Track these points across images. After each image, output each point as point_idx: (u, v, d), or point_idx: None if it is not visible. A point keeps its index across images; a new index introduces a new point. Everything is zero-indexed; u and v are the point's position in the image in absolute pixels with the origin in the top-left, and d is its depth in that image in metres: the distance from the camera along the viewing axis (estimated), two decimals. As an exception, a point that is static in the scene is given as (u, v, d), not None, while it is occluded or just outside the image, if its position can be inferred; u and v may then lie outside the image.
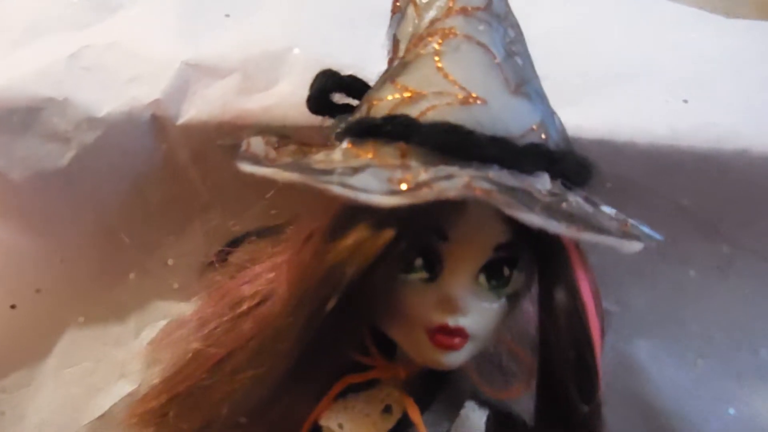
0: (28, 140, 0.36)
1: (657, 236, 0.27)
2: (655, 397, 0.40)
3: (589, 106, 0.37)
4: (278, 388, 0.28)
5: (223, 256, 0.35)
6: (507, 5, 0.31)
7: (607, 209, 0.28)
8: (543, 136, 0.28)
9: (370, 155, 0.27)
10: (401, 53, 0.30)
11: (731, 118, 0.38)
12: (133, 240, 0.38)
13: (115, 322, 0.39)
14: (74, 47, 0.37)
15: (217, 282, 0.34)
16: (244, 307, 0.32)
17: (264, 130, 0.34)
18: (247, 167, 0.27)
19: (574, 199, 0.27)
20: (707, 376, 0.40)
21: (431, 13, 0.29)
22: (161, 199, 0.38)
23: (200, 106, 0.37)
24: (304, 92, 0.33)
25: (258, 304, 0.31)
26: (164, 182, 0.38)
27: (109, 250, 0.38)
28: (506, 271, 0.28)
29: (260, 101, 0.37)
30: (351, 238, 0.26)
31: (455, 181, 0.24)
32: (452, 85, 0.27)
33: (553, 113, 0.30)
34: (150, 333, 0.38)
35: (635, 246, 0.26)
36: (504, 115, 0.27)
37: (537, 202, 0.24)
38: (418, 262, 0.27)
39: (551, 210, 0.24)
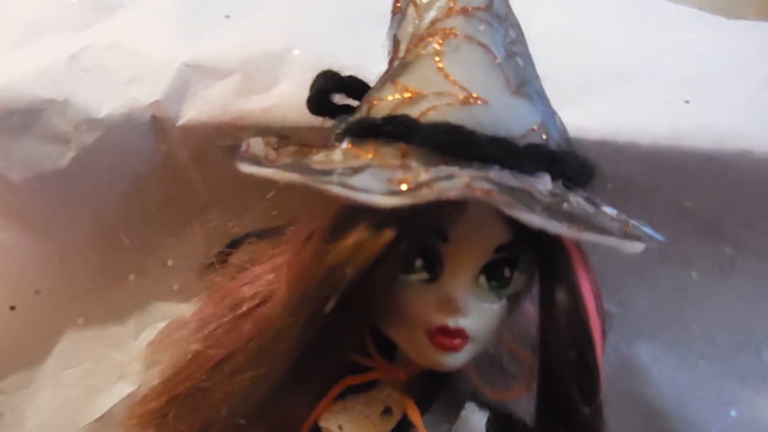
0: (27, 141, 0.36)
1: (658, 237, 0.27)
2: (657, 398, 0.40)
3: (590, 106, 0.37)
4: (278, 389, 0.28)
5: (223, 257, 0.35)
6: (508, 5, 0.30)
7: (609, 210, 0.28)
8: (544, 136, 0.28)
9: (370, 155, 0.27)
10: (401, 54, 0.30)
11: (733, 119, 0.38)
12: (132, 241, 0.38)
13: (115, 324, 0.39)
14: (74, 48, 0.37)
15: (217, 283, 0.34)
16: (244, 308, 0.32)
17: (264, 131, 0.33)
18: (246, 168, 0.27)
19: (575, 200, 0.27)
20: (709, 377, 0.40)
21: (432, 14, 0.29)
22: (161, 200, 0.38)
23: (200, 107, 0.37)
24: (304, 93, 0.33)
25: (258, 306, 0.31)
26: (164, 183, 0.38)
27: (108, 251, 0.38)
28: (507, 272, 0.28)
29: (260, 102, 0.37)
30: (351, 239, 0.25)
31: (455, 181, 0.24)
32: (453, 86, 0.27)
33: (554, 114, 0.30)
34: (150, 334, 0.38)
35: (637, 247, 0.26)
36: (505, 116, 0.27)
37: (538, 203, 0.24)
38: (419, 262, 0.27)
39: (552, 210, 0.24)
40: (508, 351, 0.32)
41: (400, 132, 0.27)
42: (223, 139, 0.34)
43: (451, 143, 0.26)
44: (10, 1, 0.39)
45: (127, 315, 0.39)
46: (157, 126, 0.36)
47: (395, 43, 0.31)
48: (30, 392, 0.39)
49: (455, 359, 0.28)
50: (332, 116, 0.32)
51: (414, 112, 0.27)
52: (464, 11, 0.29)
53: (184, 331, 0.34)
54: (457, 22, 0.28)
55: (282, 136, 0.32)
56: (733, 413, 0.40)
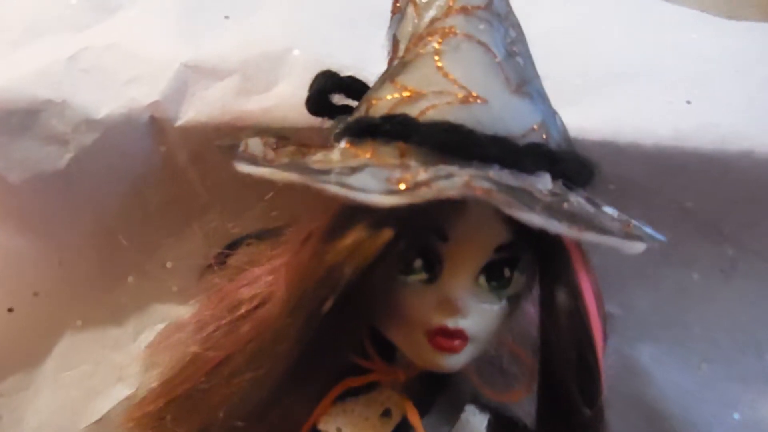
0: (26, 142, 0.36)
1: (660, 237, 0.27)
2: (659, 401, 0.40)
3: (591, 106, 0.37)
4: (276, 390, 0.27)
5: (222, 259, 0.35)
6: (508, 5, 0.30)
7: (610, 210, 0.28)
8: (544, 136, 0.28)
9: (368, 155, 0.27)
10: (401, 53, 0.30)
11: (734, 119, 0.37)
12: (131, 242, 0.38)
13: (114, 325, 0.39)
14: (73, 49, 0.37)
15: (216, 285, 0.33)
16: (243, 309, 0.31)
17: (263, 131, 0.33)
18: (244, 167, 0.27)
19: (576, 200, 0.27)
20: (712, 380, 0.40)
21: (431, 13, 0.29)
22: (160, 201, 0.38)
23: (199, 108, 0.37)
24: (304, 93, 0.33)
25: (257, 307, 0.31)
26: (163, 184, 0.38)
27: (107, 253, 0.38)
28: (507, 272, 0.28)
29: (259, 102, 0.37)
30: (349, 238, 0.25)
31: (455, 180, 0.24)
32: (452, 84, 0.27)
33: (554, 113, 0.30)
34: (149, 336, 0.38)
35: (638, 247, 0.25)
36: (504, 115, 0.27)
37: (538, 202, 0.24)
38: (418, 263, 0.27)
39: (552, 210, 0.24)
40: (509, 352, 0.32)
41: (398, 131, 0.26)
42: (222, 139, 0.34)
43: (450, 142, 0.26)
44: (9, 1, 0.38)
45: (126, 316, 0.39)
46: (156, 127, 0.36)
47: (394, 42, 0.31)
48: (29, 394, 0.39)
49: (455, 360, 0.28)
50: (331, 116, 0.32)
51: (413, 111, 0.27)
52: (464, 10, 0.29)
53: (183, 333, 0.33)
54: (456, 21, 0.28)
55: (281, 136, 0.32)
56: (736, 416, 0.40)
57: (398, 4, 0.31)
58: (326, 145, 0.30)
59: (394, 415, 0.29)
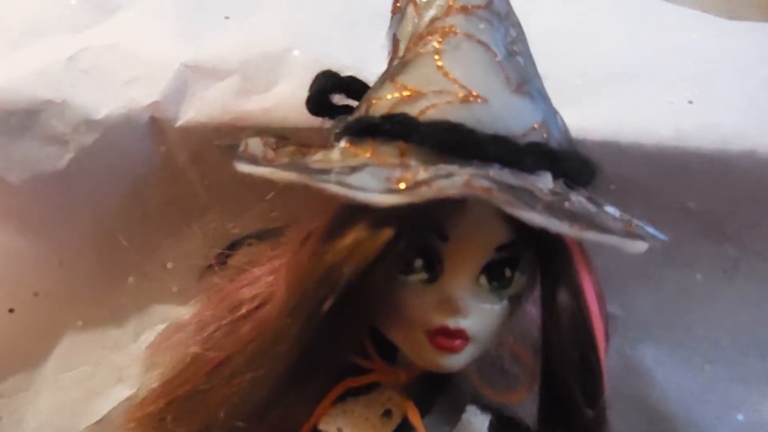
0: (26, 142, 0.35)
1: (661, 236, 0.27)
2: (662, 402, 0.40)
3: (592, 106, 0.37)
4: (277, 390, 0.27)
5: (222, 259, 0.35)
6: (508, 4, 0.30)
7: (611, 209, 0.28)
8: (545, 135, 0.28)
9: (368, 154, 0.27)
10: (401, 53, 0.30)
11: (736, 119, 0.37)
12: (131, 243, 0.38)
13: (114, 326, 0.39)
14: (73, 49, 0.37)
15: (217, 285, 0.33)
16: (243, 310, 0.31)
17: (263, 131, 0.33)
18: (244, 167, 0.27)
19: (577, 199, 0.27)
20: (714, 381, 0.40)
21: (431, 12, 0.29)
22: (160, 202, 0.38)
23: (199, 108, 0.36)
24: (304, 94, 0.33)
25: (257, 308, 0.31)
26: (163, 184, 0.37)
27: (107, 253, 0.38)
28: (508, 272, 0.28)
29: (260, 103, 0.37)
30: (349, 238, 0.25)
31: (455, 179, 0.24)
32: (452, 84, 0.27)
33: (555, 113, 0.30)
34: (149, 337, 0.38)
35: (639, 246, 0.25)
36: (505, 114, 0.27)
37: (538, 201, 0.24)
38: (418, 262, 0.27)
39: (553, 209, 0.24)
40: (510, 352, 0.32)
41: (398, 130, 0.26)
42: (222, 140, 0.34)
43: (450, 141, 0.26)
44: (9, 1, 0.38)
45: (127, 317, 0.39)
46: (156, 127, 0.36)
47: (395, 42, 0.31)
48: (29, 395, 0.39)
49: (456, 360, 0.27)
50: (332, 116, 0.32)
51: (413, 110, 0.27)
52: (464, 9, 0.28)
53: (183, 334, 0.33)
54: (456, 21, 0.28)
55: (281, 136, 0.32)
56: (739, 417, 0.40)
57: (398, 4, 0.31)
58: (326, 145, 0.30)
59: (395, 416, 0.29)
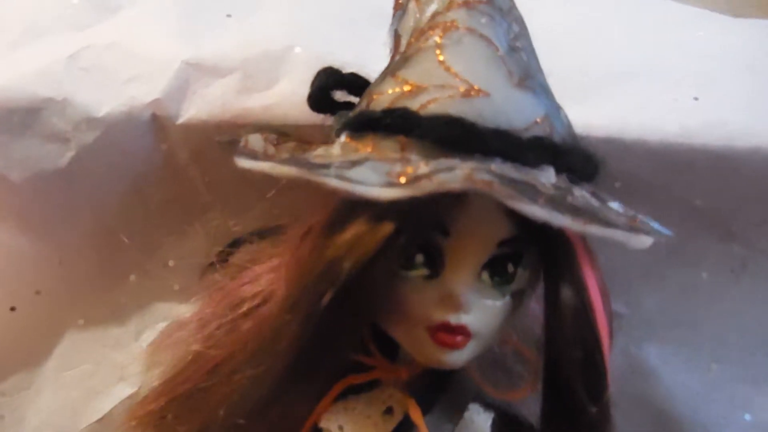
0: (27, 141, 0.36)
1: (666, 231, 0.26)
2: (667, 401, 0.39)
3: (596, 104, 0.37)
4: (277, 388, 0.27)
5: (223, 257, 0.35)
6: (511, 0, 0.30)
7: (615, 204, 0.27)
8: (547, 129, 0.27)
9: (369, 149, 0.26)
10: (403, 48, 0.29)
11: (742, 116, 0.37)
12: (133, 241, 0.38)
13: (115, 324, 0.39)
14: (74, 47, 0.37)
15: (218, 283, 0.33)
16: (245, 308, 0.31)
17: (264, 128, 0.33)
18: (243, 162, 0.27)
19: (580, 193, 0.26)
20: (721, 380, 0.40)
21: (433, 7, 0.29)
22: (161, 200, 0.38)
23: (200, 106, 0.36)
24: (305, 91, 0.33)
25: (258, 305, 0.31)
26: (164, 182, 0.37)
27: (108, 252, 0.38)
28: (510, 268, 0.28)
29: (261, 100, 0.37)
30: (349, 233, 0.25)
31: (456, 173, 0.23)
32: (454, 78, 0.27)
33: (558, 108, 0.29)
34: (150, 335, 0.38)
35: (644, 241, 0.25)
36: (507, 108, 0.26)
37: (541, 195, 0.24)
38: (419, 258, 0.27)
39: (555, 203, 0.24)
40: (513, 350, 0.32)
41: (399, 125, 0.26)
42: (222, 135, 0.34)
43: (451, 135, 0.25)
44: (9, 1, 0.39)
45: (128, 315, 0.39)
46: (157, 125, 0.36)
47: (396, 38, 0.31)
48: (30, 394, 0.39)
49: (457, 357, 0.27)
50: (333, 113, 0.32)
51: (414, 104, 0.26)
52: (466, 4, 0.28)
53: (185, 332, 0.33)
54: (458, 15, 0.28)
55: (282, 132, 0.31)
56: (747, 417, 0.40)
57: (400, 1, 0.31)
58: (328, 141, 0.30)
59: (396, 413, 0.29)
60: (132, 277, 0.39)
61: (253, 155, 0.28)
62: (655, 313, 0.39)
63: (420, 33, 0.29)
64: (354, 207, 0.25)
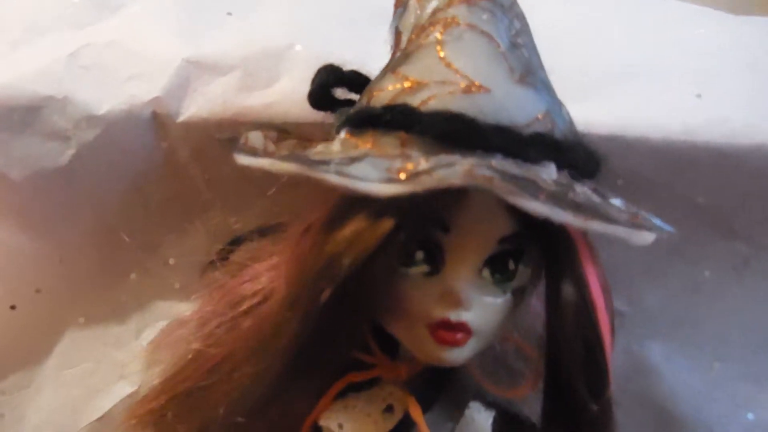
0: (27, 139, 0.35)
1: (668, 228, 0.26)
2: (670, 400, 0.39)
3: (598, 102, 0.37)
4: (277, 385, 0.27)
5: (224, 255, 0.34)
6: (513, -4, 0.30)
7: (617, 201, 0.27)
8: (549, 125, 0.27)
9: (369, 145, 0.26)
10: (403, 45, 0.29)
11: (745, 113, 0.37)
12: (133, 239, 0.38)
13: (116, 323, 0.39)
14: (74, 46, 0.37)
15: (218, 281, 0.33)
16: (245, 306, 0.31)
17: (264, 126, 0.33)
18: (243, 159, 0.27)
19: (582, 190, 0.26)
20: (724, 379, 0.40)
21: (433, 3, 0.29)
22: (162, 198, 0.38)
23: (201, 104, 0.36)
24: (306, 89, 0.33)
25: (259, 303, 0.31)
26: (165, 180, 0.37)
27: (109, 250, 0.38)
28: (511, 265, 0.27)
29: (261, 98, 0.36)
30: (349, 229, 0.25)
31: (456, 169, 0.23)
32: (454, 74, 0.26)
33: (560, 104, 0.29)
34: (151, 333, 0.38)
35: (646, 237, 0.25)
36: (508, 104, 0.26)
37: (542, 191, 0.24)
38: (419, 255, 0.27)
39: (557, 199, 0.24)
40: (514, 347, 0.32)
41: (399, 121, 0.26)
42: (222, 133, 0.34)
43: (452, 131, 0.25)
44: (9, 0, 0.39)
45: (128, 314, 0.39)
46: (157, 123, 0.36)
47: (397, 34, 0.30)
48: (30, 392, 0.39)
49: (458, 354, 0.27)
50: (333, 111, 0.32)
51: (414, 101, 0.26)
52: (467, 0, 0.28)
53: (185, 330, 0.33)
54: (459, 11, 0.28)
55: (282, 129, 0.31)
56: (750, 416, 0.40)
57: (401, -1, 0.31)
58: (328, 139, 0.30)
59: (397, 411, 0.29)
60: (132, 276, 0.39)
61: (253, 152, 0.28)
62: (657, 311, 0.39)
63: (421, 29, 0.28)
64: (354, 203, 0.25)
